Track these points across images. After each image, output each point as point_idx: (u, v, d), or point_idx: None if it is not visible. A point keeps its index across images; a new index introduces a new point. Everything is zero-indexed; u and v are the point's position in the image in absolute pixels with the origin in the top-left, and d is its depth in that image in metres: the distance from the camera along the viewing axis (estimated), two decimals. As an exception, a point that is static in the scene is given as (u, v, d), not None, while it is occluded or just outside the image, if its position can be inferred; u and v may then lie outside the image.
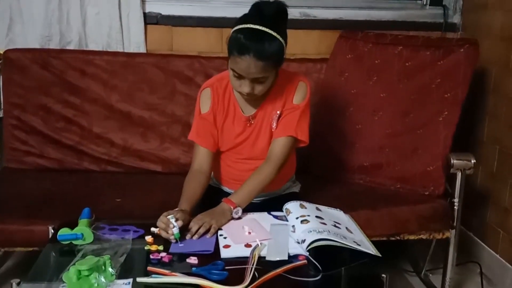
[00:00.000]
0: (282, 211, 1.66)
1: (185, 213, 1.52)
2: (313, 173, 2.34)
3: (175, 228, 1.43)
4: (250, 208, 1.68)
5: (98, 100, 2.42)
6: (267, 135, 1.78)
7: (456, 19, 2.78)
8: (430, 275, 2.43)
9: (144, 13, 2.55)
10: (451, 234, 2.11)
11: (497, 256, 2.43)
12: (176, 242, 1.43)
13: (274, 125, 1.77)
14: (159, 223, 1.46)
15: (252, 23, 1.57)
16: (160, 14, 2.59)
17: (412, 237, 2.09)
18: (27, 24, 2.45)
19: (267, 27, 1.57)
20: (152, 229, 1.52)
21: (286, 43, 1.64)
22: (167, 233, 1.44)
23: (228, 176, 1.86)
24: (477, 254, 2.56)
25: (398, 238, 2.07)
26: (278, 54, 1.61)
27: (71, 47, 2.50)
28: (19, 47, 2.42)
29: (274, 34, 1.58)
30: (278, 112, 1.76)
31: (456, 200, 2.08)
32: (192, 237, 1.47)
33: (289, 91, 1.76)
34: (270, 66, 1.60)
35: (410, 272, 2.50)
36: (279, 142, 1.75)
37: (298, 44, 2.68)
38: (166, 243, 1.43)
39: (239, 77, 1.61)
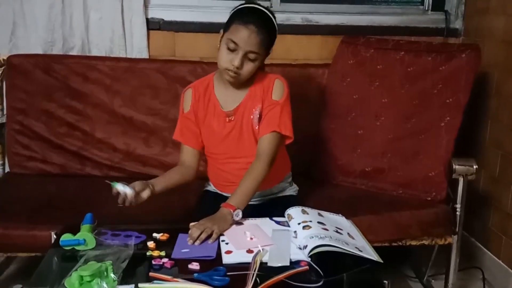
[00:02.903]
0: (283, 216, 1.66)
1: (144, 184, 1.64)
2: (315, 178, 2.35)
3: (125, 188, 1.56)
4: (250, 210, 1.69)
5: (100, 105, 2.43)
6: (250, 133, 1.82)
7: (458, 24, 2.78)
8: (433, 280, 2.42)
9: (147, 19, 2.56)
10: (453, 239, 2.10)
11: (499, 261, 2.42)
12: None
13: (256, 126, 1.80)
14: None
15: (255, 4, 1.78)
16: (163, 19, 2.60)
17: (414, 243, 2.09)
18: (30, 29, 2.47)
19: (267, 10, 1.77)
20: (154, 234, 1.52)
21: (276, 35, 1.80)
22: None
23: (224, 180, 1.89)
24: (480, 259, 2.55)
25: (400, 243, 2.07)
26: (272, 37, 1.77)
27: (74, 52, 2.51)
28: (22, 53, 2.43)
29: (272, 17, 1.77)
30: (257, 108, 1.80)
31: (458, 205, 2.08)
32: (194, 242, 1.47)
33: (267, 88, 1.82)
34: (264, 45, 1.72)
35: (413, 278, 2.49)
36: (265, 139, 1.78)
37: (300, 49, 2.69)
38: (168, 249, 1.43)
39: (233, 49, 1.69)
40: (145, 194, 1.64)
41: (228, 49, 1.70)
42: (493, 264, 2.46)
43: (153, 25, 2.58)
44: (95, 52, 2.53)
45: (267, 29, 1.72)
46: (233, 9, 1.78)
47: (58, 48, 2.49)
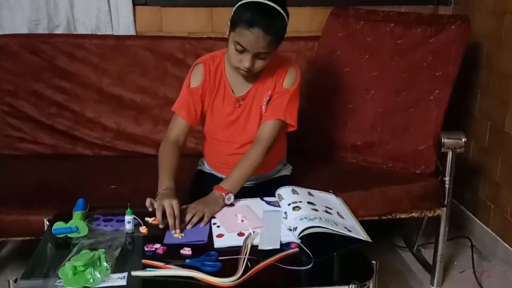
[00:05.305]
0: (274, 195, 1.68)
1: (173, 193, 1.54)
2: (306, 153, 2.36)
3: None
4: (243, 192, 1.70)
5: (89, 84, 2.41)
6: (257, 118, 1.79)
7: (448, -8, 2.75)
8: (423, 249, 2.48)
9: (132, -6, 2.52)
10: (442, 211, 2.13)
11: (488, 230, 2.47)
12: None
13: (264, 109, 1.78)
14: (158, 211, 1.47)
15: None
16: (149, -6, 2.56)
17: (403, 216, 2.12)
18: (14, 9, 2.42)
19: (274, 3, 1.60)
20: (146, 218, 1.54)
21: (288, 20, 1.68)
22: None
23: (222, 162, 1.87)
24: (469, 228, 2.61)
25: (390, 217, 2.10)
26: (283, 31, 1.66)
27: (59, 30, 2.48)
28: (7, 33, 2.40)
29: (281, 10, 1.62)
30: (268, 94, 1.77)
31: (447, 178, 2.09)
32: (185, 226, 1.49)
33: (280, 75, 1.77)
34: (275, 42, 1.63)
35: (403, 247, 2.54)
36: (268, 125, 1.76)
37: (289, 21, 2.62)
38: (161, 234, 1.45)
39: (242, 51, 1.62)
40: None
41: (237, 50, 1.62)
42: (482, 232, 2.51)
43: (139, 0, 2.54)
44: (81, 30, 2.50)
45: (275, 27, 1.60)
46: (239, 2, 1.62)
47: (43, 27, 2.45)
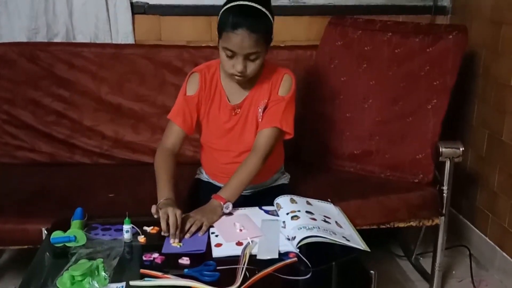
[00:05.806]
0: (273, 204, 1.68)
1: (174, 203, 1.54)
2: (303, 161, 2.36)
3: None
4: (241, 200, 1.70)
5: (87, 92, 2.41)
6: (254, 126, 1.79)
7: (445, 2, 2.76)
8: (421, 258, 2.48)
9: (131, 3, 2.51)
10: (440, 221, 2.13)
11: (486, 239, 2.47)
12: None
13: (260, 117, 1.78)
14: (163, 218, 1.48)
15: (241, 1, 1.64)
16: (148, 3, 2.55)
17: (402, 225, 2.12)
18: (12, 17, 2.43)
19: (256, 3, 1.64)
20: (145, 227, 1.53)
21: (273, 20, 1.70)
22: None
23: (219, 171, 1.87)
24: (467, 236, 2.61)
25: (388, 226, 2.10)
26: (268, 29, 1.68)
27: (58, 39, 2.48)
28: (6, 41, 2.40)
29: (263, 9, 1.65)
30: (263, 103, 1.77)
31: (445, 187, 2.10)
32: (184, 235, 1.48)
33: (275, 83, 1.78)
34: (261, 41, 1.64)
35: (401, 256, 2.54)
36: (264, 133, 1.76)
37: (287, 31, 2.67)
38: (159, 243, 1.45)
39: (232, 56, 1.64)
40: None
41: (227, 55, 1.64)
42: (480, 241, 2.51)
43: (137, 9, 2.54)
44: (80, 39, 2.50)
45: (259, 26, 1.62)
46: (221, 9, 1.67)
47: (42, 35, 2.45)
